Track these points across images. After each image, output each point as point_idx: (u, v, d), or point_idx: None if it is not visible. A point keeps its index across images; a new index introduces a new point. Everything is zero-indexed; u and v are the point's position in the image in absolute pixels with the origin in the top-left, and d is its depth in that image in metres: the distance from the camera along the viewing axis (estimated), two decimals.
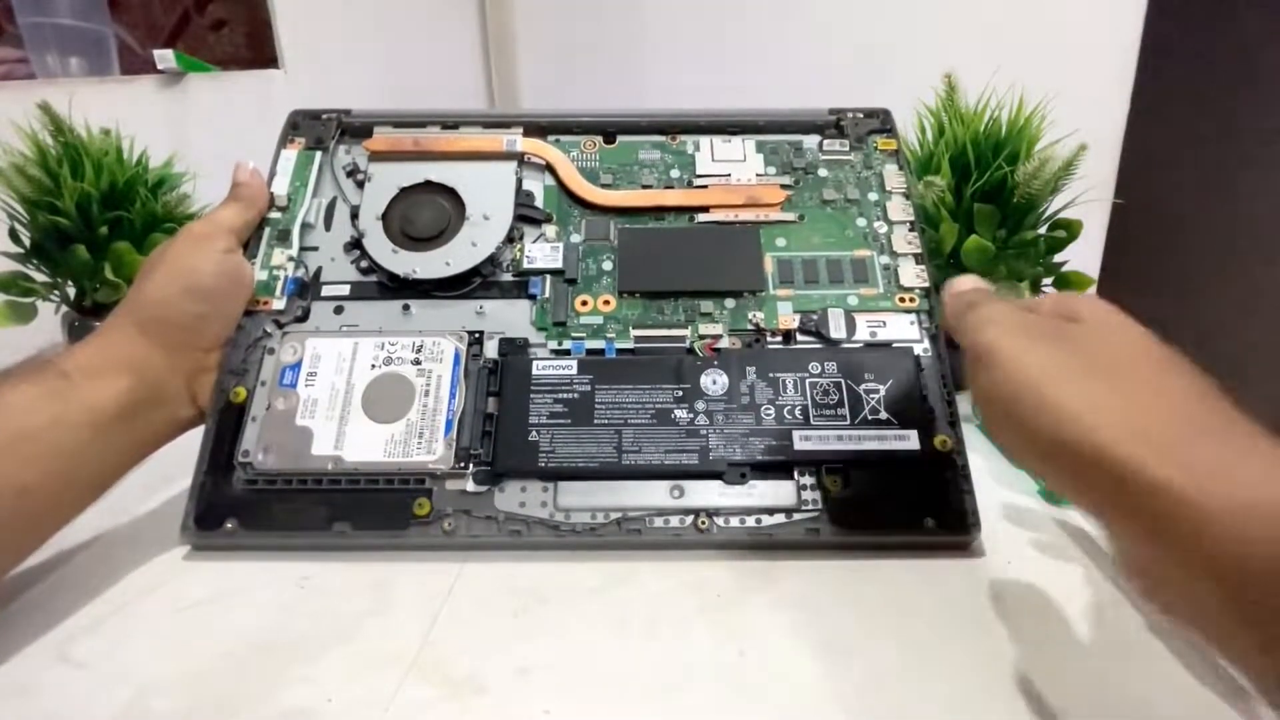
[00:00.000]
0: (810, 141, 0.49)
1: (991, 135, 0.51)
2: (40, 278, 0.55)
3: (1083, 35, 0.73)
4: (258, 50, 0.84)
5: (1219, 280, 0.62)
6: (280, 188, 0.47)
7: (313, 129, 0.49)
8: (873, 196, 0.47)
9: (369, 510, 0.37)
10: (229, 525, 0.37)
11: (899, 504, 0.37)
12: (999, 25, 0.72)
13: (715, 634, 0.31)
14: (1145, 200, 0.69)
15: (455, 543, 0.37)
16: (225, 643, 0.31)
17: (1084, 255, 0.55)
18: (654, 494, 0.38)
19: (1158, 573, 0.19)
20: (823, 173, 0.48)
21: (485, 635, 0.32)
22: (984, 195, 0.51)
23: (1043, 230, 0.52)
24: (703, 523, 0.37)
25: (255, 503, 0.38)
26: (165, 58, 0.74)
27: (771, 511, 0.37)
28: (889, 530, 0.37)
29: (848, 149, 0.49)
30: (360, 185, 0.47)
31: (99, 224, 0.53)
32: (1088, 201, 0.53)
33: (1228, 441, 0.18)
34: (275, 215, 0.46)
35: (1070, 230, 0.52)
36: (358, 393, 0.40)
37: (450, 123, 0.49)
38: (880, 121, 0.50)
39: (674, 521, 0.37)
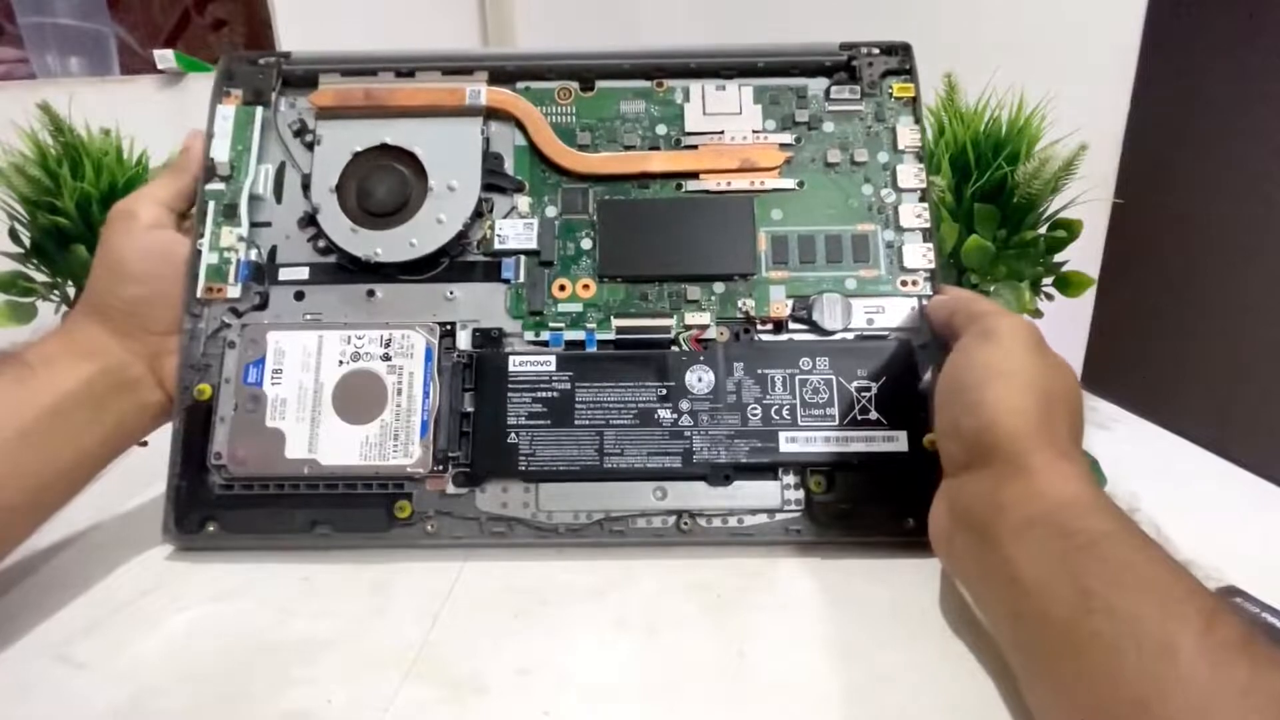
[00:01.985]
0: (816, 86, 0.43)
1: (991, 135, 0.51)
2: (40, 278, 0.55)
3: (1083, 35, 0.72)
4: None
5: (1219, 280, 0.62)
6: (221, 153, 0.41)
7: (250, 79, 0.42)
8: (882, 157, 0.42)
9: (350, 513, 0.37)
10: (210, 529, 0.37)
11: (881, 504, 0.37)
12: (998, 25, 0.72)
13: (715, 634, 0.32)
14: (1145, 200, 0.69)
15: (438, 544, 0.37)
16: (225, 643, 0.32)
17: (1084, 255, 0.54)
18: (637, 495, 0.37)
19: (987, 499, 0.30)
20: (828, 127, 0.42)
21: (485, 635, 0.32)
22: (984, 195, 0.50)
23: (1043, 230, 0.52)
24: (685, 523, 0.37)
25: (234, 506, 0.37)
26: (165, 58, 0.74)
27: (754, 512, 0.37)
28: (869, 531, 0.37)
29: (859, 96, 0.43)
30: (310, 147, 0.42)
31: (99, 224, 0.52)
32: (1088, 201, 0.52)
33: (1069, 457, 0.30)
34: (219, 187, 0.41)
35: (1070, 230, 0.52)
36: (327, 391, 0.38)
37: (405, 69, 0.42)
38: (899, 60, 0.43)
39: (656, 522, 0.37)
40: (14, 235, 0.54)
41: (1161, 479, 0.44)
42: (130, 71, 0.82)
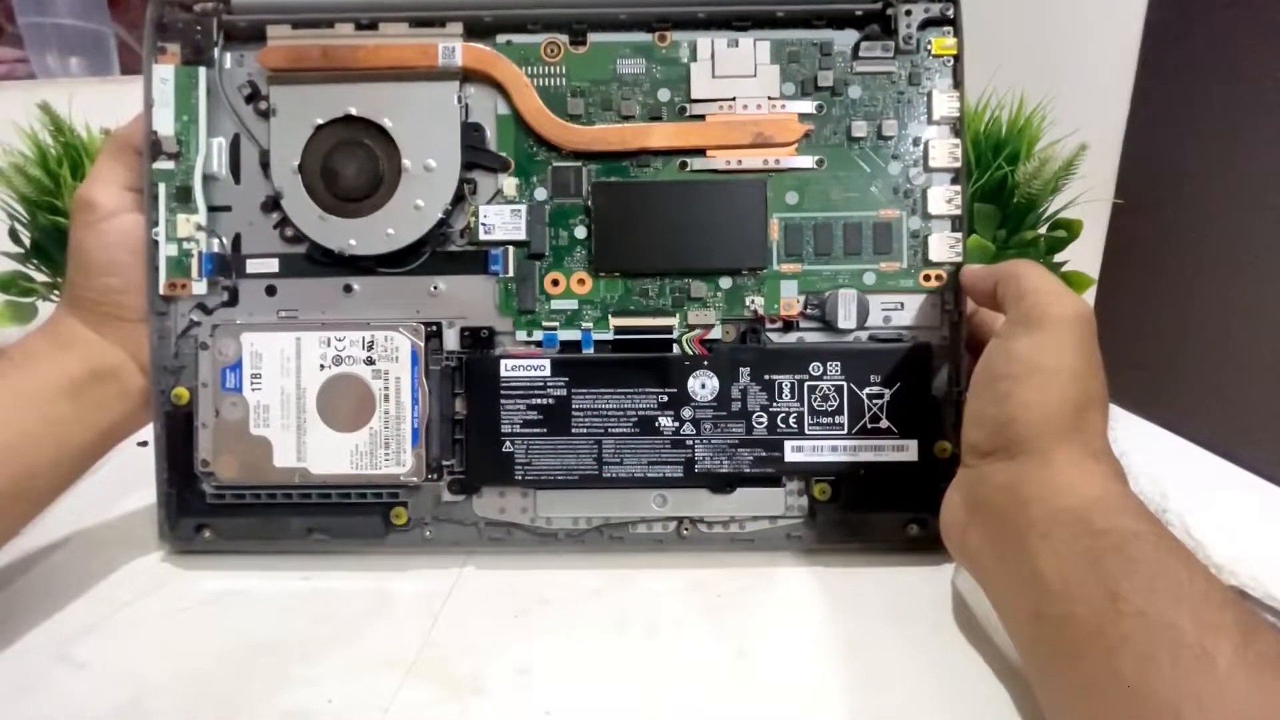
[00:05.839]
0: (844, 41, 0.37)
1: (991, 135, 0.51)
2: (40, 278, 0.55)
3: (1083, 35, 0.72)
4: None
5: (1219, 280, 0.62)
6: (164, 124, 0.36)
7: (188, 32, 0.37)
8: (914, 130, 0.37)
9: (346, 520, 0.37)
10: (206, 535, 0.37)
11: (885, 511, 0.36)
12: (999, 25, 0.72)
13: (715, 634, 0.32)
14: (1145, 200, 0.68)
15: (436, 549, 0.37)
16: (225, 643, 0.32)
17: (1084, 255, 0.54)
18: (637, 501, 0.37)
19: (1009, 493, 0.29)
20: (855, 92, 0.37)
21: (485, 636, 0.32)
22: (984, 195, 0.50)
23: (1043, 230, 0.52)
24: (686, 529, 0.37)
25: (228, 514, 0.37)
26: None
27: (756, 518, 0.37)
28: (872, 537, 0.37)
29: (892, 54, 0.37)
30: (264, 116, 0.37)
31: None
32: (1088, 201, 0.52)
33: (1098, 456, 0.29)
34: (167, 166, 0.36)
35: (1070, 230, 0.52)
36: (310, 397, 0.36)
37: (365, 19, 0.37)
38: (941, 8, 0.37)
39: (657, 527, 0.37)
40: (14, 235, 0.54)
41: (1161, 480, 0.44)
42: (130, 71, 0.82)
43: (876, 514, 0.36)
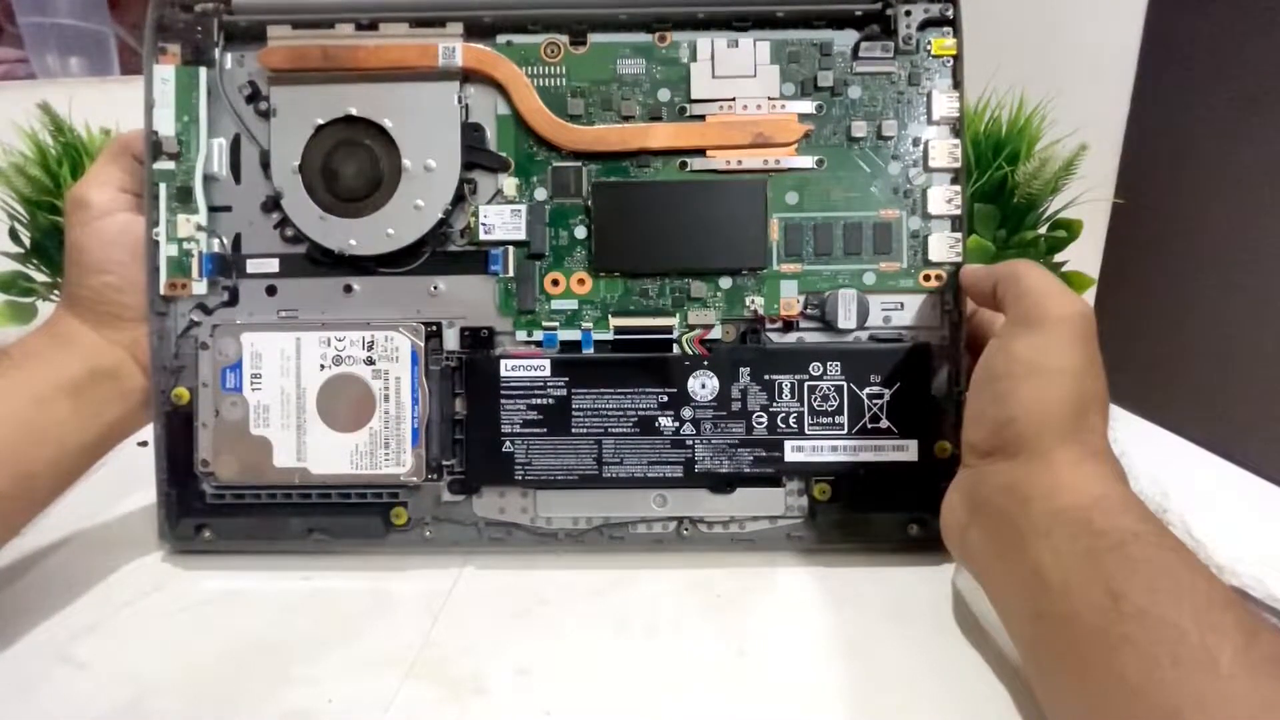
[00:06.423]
0: (844, 41, 0.37)
1: (991, 135, 0.51)
2: (40, 278, 0.55)
3: (1083, 35, 0.72)
4: None
5: (1219, 280, 0.62)
6: (165, 125, 0.36)
7: (188, 33, 0.37)
8: (914, 130, 0.37)
9: (346, 520, 0.37)
10: (206, 535, 0.37)
11: (885, 511, 0.36)
12: (998, 25, 0.72)
13: (715, 634, 0.32)
14: (1145, 200, 0.68)
15: (436, 549, 0.37)
16: (225, 643, 0.32)
17: (1084, 255, 0.54)
18: (637, 501, 0.37)
19: (1009, 493, 0.29)
20: (854, 92, 0.37)
21: (485, 636, 0.32)
22: (984, 195, 0.50)
23: (1043, 230, 0.52)
24: (686, 529, 0.37)
25: (227, 514, 0.37)
26: None
27: (756, 518, 0.37)
28: (872, 537, 0.37)
29: (892, 54, 0.37)
30: (264, 116, 0.37)
31: None
32: (1088, 201, 0.53)
33: (1098, 457, 0.29)
34: (168, 166, 0.37)
35: (1070, 230, 0.52)
36: (310, 397, 0.36)
37: (365, 19, 0.37)
38: (941, 8, 0.37)
39: (657, 527, 0.37)
40: (14, 235, 0.54)
41: (1161, 480, 0.44)
42: (130, 71, 0.82)
43: (876, 514, 0.36)
